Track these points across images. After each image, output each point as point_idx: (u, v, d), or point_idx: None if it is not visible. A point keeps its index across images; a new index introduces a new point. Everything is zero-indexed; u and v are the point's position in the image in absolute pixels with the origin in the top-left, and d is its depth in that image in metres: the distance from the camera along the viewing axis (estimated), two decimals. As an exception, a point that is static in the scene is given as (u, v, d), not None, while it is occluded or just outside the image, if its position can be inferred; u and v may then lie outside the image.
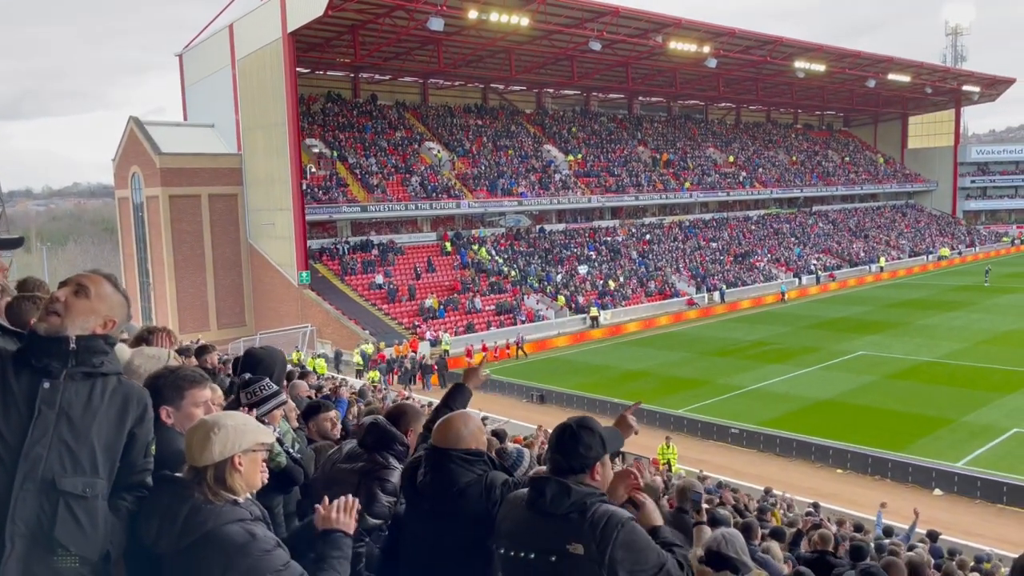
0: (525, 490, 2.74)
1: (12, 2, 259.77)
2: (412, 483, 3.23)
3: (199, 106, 48.38)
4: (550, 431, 2.92)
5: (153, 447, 2.53)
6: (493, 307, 41.28)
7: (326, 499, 2.68)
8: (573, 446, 2.62)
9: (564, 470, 2.62)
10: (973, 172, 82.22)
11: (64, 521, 2.22)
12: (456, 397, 3.96)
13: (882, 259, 61.42)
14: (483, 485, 3.01)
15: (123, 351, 3.94)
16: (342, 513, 2.62)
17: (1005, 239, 76.40)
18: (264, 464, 2.54)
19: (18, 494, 2.16)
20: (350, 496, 2.70)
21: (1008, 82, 75.16)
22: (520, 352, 36.46)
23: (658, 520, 2.74)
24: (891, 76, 63.63)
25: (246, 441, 2.42)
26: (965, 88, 73.87)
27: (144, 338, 4.53)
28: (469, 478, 3.03)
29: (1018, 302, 44.65)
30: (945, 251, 67.11)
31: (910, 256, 65.27)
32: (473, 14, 39.94)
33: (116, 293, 2.47)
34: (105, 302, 2.43)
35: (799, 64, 56.74)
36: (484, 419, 10.96)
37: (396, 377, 33.06)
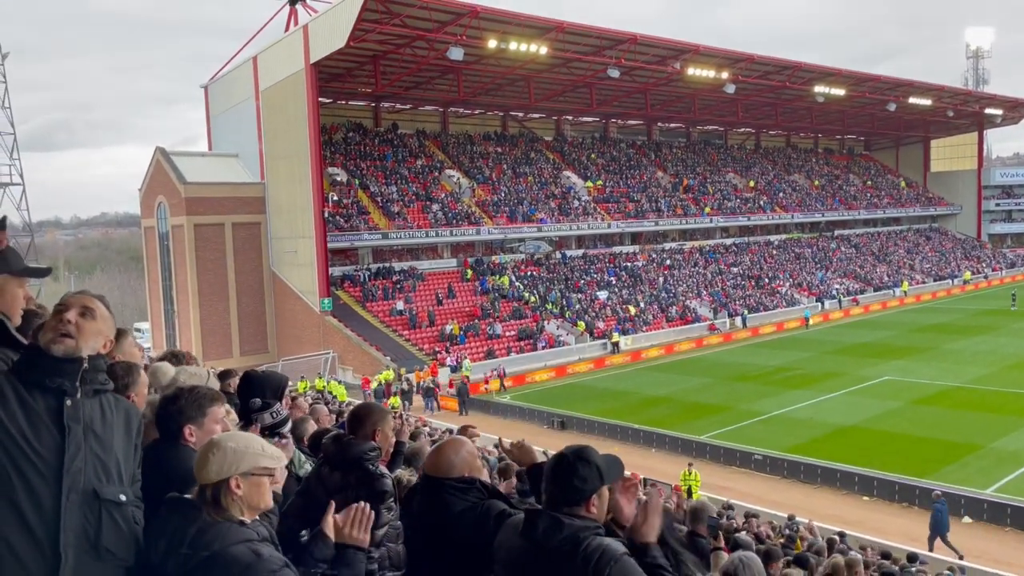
0: (522, 516, 2.68)
1: (47, 36, 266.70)
2: (408, 510, 3.19)
3: (224, 136, 49.17)
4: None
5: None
6: (513, 333, 41.28)
7: (332, 511, 2.60)
8: (568, 478, 2.53)
9: (558, 502, 2.53)
10: (998, 195, 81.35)
11: (109, 528, 2.33)
12: None
13: (905, 283, 60.73)
14: (477, 514, 2.94)
15: (167, 369, 3.99)
16: (356, 528, 2.57)
17: (1032, 262, 75.28)
18: (272, 486, 2.50)
19: (65, 506, 2.25)
20: (366, 507, 2.62)
21: (1031, 104, 74.54)
22: (501, 386, 35.35)
23: (651, 536, 2.55)
24: (912, 100, 63.32)
25: (244, 464, 2.38)
26: (988, 111, 73.35)
27: (169, 360, 4.60)
28: (462, 506, 2.96)
29: (1047, 326, 43.94)
30: (968, 275, 66.24)
31: (935, 280, 64.50)
32: (492, 43, 40.37)
33: (110, 315, 2.57)
34: (107, 323, 2.52)
35: (818, 88, 56.67)
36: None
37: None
